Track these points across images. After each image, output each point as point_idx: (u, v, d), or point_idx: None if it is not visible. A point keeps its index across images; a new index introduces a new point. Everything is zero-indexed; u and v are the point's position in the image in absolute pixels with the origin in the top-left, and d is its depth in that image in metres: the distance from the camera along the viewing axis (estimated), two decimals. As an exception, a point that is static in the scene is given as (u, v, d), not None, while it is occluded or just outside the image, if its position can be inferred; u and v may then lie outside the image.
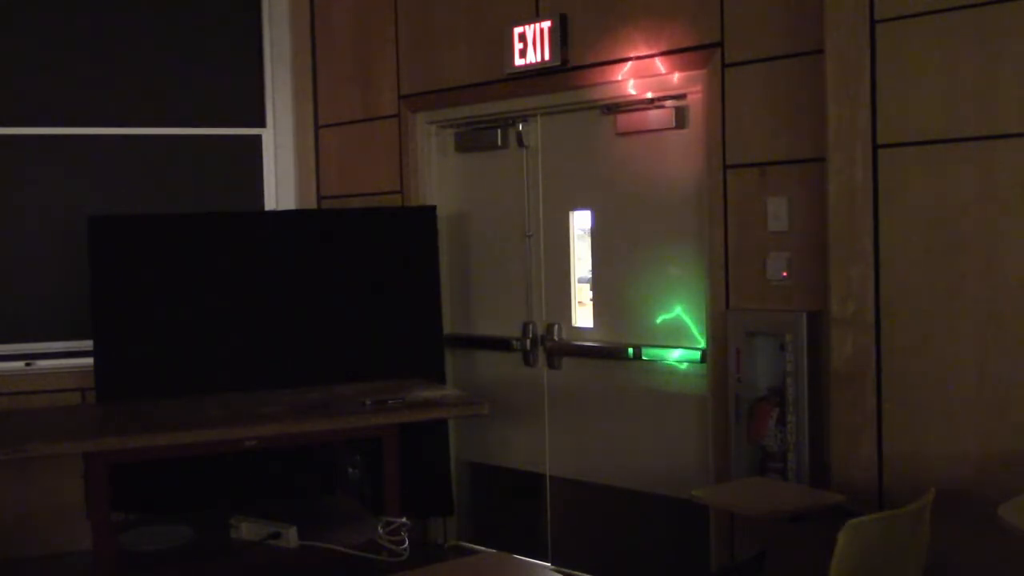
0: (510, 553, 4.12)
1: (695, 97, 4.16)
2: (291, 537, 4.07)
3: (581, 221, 4.70)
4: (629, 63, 4.28)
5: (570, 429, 4.72)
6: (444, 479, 5.04)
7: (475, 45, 4.87)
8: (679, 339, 4.29)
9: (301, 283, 4.89)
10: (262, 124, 5.56)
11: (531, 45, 4.57)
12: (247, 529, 4.13)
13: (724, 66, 3.97)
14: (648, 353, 4.37)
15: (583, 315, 4.71)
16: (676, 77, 4.16)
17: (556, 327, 4.76)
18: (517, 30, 4.61)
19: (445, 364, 5.02)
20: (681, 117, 4.22)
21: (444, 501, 5.04)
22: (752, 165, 3.91)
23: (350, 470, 4.78)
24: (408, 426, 4.17)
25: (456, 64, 4.96)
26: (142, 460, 4.04)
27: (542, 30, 4.53)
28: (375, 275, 4.94)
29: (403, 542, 4.03)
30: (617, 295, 4.54)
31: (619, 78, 4.32)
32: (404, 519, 4.12)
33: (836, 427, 3.54)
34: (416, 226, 4.98)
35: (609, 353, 4.55)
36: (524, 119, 4.82)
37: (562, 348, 4.74)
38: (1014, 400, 3.17)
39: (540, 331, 4.81)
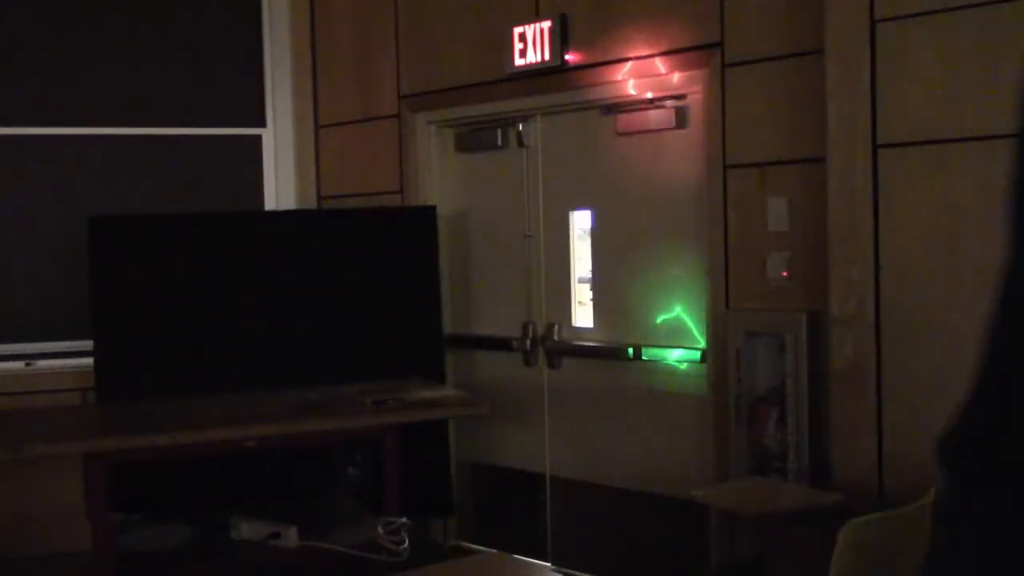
0: (510, 553, 4.12)
1: (695, 97, 4.16)
2: (291, 537, 4.07)
3: (581, 221, 4.70)
4: (629, 63, 4.28)
5: (570, 429, 4.72)
6: (444, 479, 5.04)
7: (475, 45, 4.86)
8: (679, 339, 4.29)
9: (301, 283, 4.89)
10: (262, 124, 5.56)
11: (531, 45, 4.57)
12: (247, 529, 4.13)
13: (724, 66, 3.97)
14: (648, 353, 4.37)
15: (583, 315, 4.71)
16: (676, 77, 4.16)
17: (556, 327, 4.75)
18: (517, 30, 4.61)
19: (445, 364, 5.02)
20: (681, 117, 4.22)
21: (444, 501, 5.04)
22: (752, 165, 3.91)
23: (350, 470, 4.78)
24: (408, 426, 4.17)
25: (456, 64, 4.96)
26: (142, 460, 4.04)
27: (542, 30, 4.52)
28: (375, 275, 4.94)
29: (403, 542, 4.03)
30: (617, 295, 4.53)
31: (619, 78, 4.32)
32: (404, 519, 4.12)
33: (836, 427, 3.53)
34: (416, 226, 4.98)
35: (609, 353, 4.55)
36: (524, 119, 4.82)
37: (562, 348, 4.74)
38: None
39: (540, 331, 4.81)
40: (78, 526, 4.22)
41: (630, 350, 4.43)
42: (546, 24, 4.51)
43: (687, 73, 4.12)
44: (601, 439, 4.58)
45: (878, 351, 3.43)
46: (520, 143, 4.85)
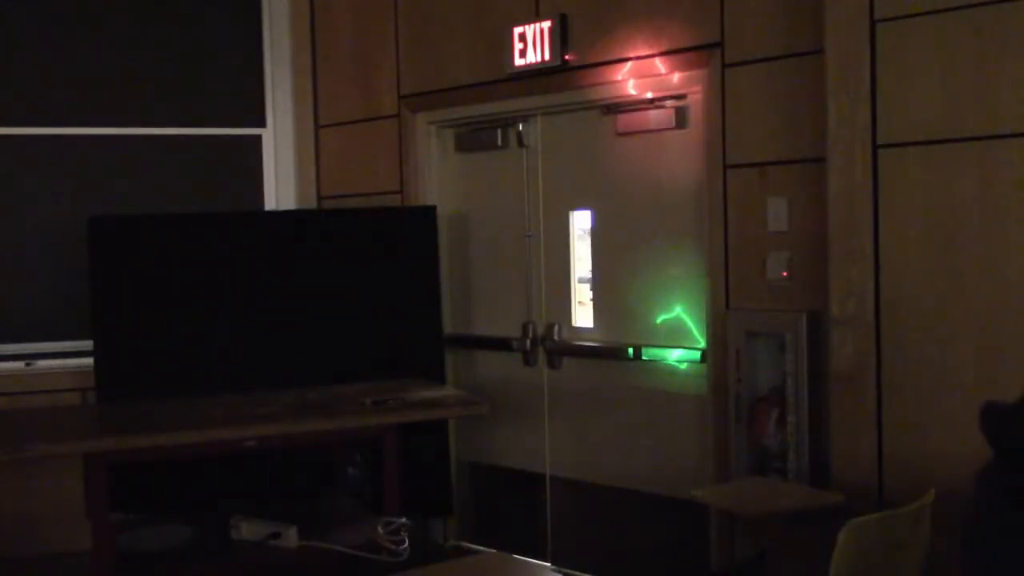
0: (510, 553, 4.12)
1: (695, 97, 4.16)
2: (291, 537, 4.07)
3: (581, 221, 4.70)
4: (629, 63, 4.28)
5: (570, 429, 4.72)
6: (444, 479, 5.04)
7: (475, 45, 4.87)
8: (679, 339, 4.29)
9: (301, 283, 4.89)
10: (262, 124, 5.56)
11: (531, 45, 4.57)
12: (247, 529, 4.13)
13: (724, 66, 3.97)
14: (648, 353, 4.37)
15: (583, 315, 4.71)
16: (676, 77, 4.16)
17: (556, 327, 4.76)
18: (517, 30, 4.61)
19: (445, 364, 5.02)
20: (681, 117, 4.22)
21: (444, 501, 5.04)
22: (752, 165, 3.91)
23: (350, 470, 4.78)
24: (408, 426, 4.17)
25: (456, 64, 4.96)
26: (142, 460, 4.04)
27: (542, 30, 4.53)
28: (375, 275, 4.94)
29: (403, 542, 4.03)
30: (617, 295, 4.53)
31: (619, 78, 4.32)
32: (404, 519, 4.12)
33: (836, 427, 3.53)
34: (416, 226, 4.98)
35: (609, 353, 4.55)
36: (524, 119, 4.82)
37: (562, 348, 4.74)
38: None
39: (540, 331, 4.81)
40: (78, 526, 4.22)
41: (630, 350, 4.43)
42: (546, 24, 4.51)
43: (687, 73, 4.12)
44: (601, 439, 4.58)
45: (878, 351, 3.43)
46: (520, 143, 4.85)
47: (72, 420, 4.30)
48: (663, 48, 4.17)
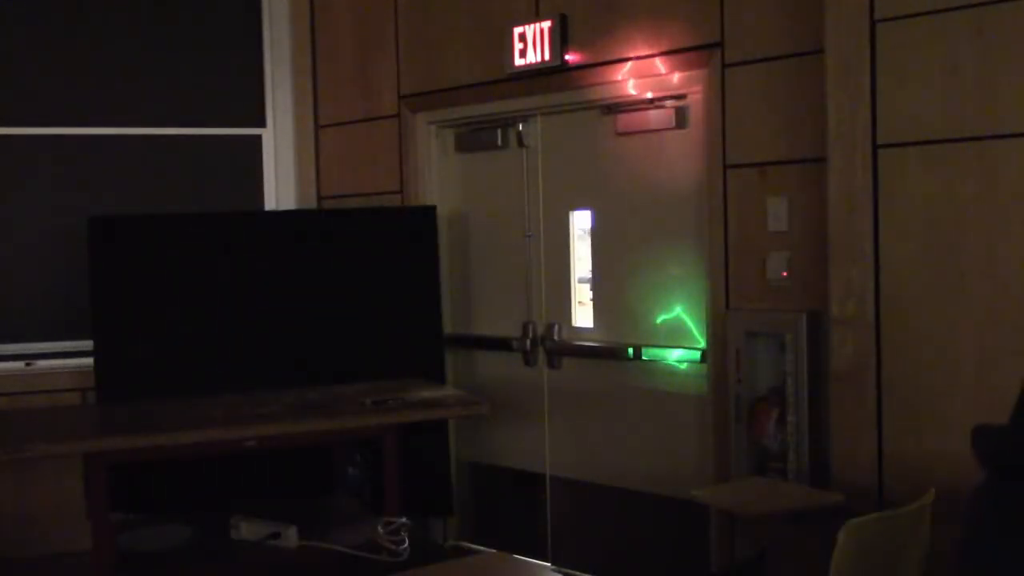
0: (510, 553, 4.12)
1: (695, 97, 4.16)
2: (291, 537, 4.07)
3: (581, 221, 4.70)
4: (629, 63, 4.28)
5: (570, 429, 4.72)
6: (444, 479, 5.04)
7: (475, 45, 4.87)
8: (679, 339, 4.29)
9: (301, 283, 4.89)
10: (262, 124, 5.56)
11: (531, 45, 4.57)
12: (247, 529, 4.13)
13: (724, 66, 3.97)
14: (648, 353, 4.37)
15: (583, 315, 4.71)
16: (676, 77, 4.16)
17: (556, 327, 4.75)
18: (517, 30, 4.61)
19: (445, 364, 5.02)
20: (681, 117, 4.22)
21: (444, 501, 5.04)
22: (752, 165, 3.91)
23: (350, 470, 4.78)
24: (408, 426, 4.17)
25: (456, 64, 4.96)
26: (142, 460, 4.04)
27: (542, 30, 4.53)
28: (375, 275, 4.94)
29: (403, 542, 4.03)
30: (617, 295, 4.53)
31: (619, 78, 4.32)
32: (404, 519, 4.12)
33: (836, 427, 3.53)
34: (416, 226, 4.98)
35: (609, 353, 4.55)
36: (524, 119, 4.82)
37: (562, 348, 4.74)
38: (1014, 400, 3.16)
39: (540, 331, 4.81)
40: (78, 526, 4.22)
41: (630, 350, 4.43)
42: (546, 24, 4.51)
43: (687, 73, 4.12)
44: (601, 439, 4.58)
45: (878, 351, 3.43)
46: (520, 143, 4.85)
47: (72, 420, 4.30)
48: (663, 48, 4.17)
